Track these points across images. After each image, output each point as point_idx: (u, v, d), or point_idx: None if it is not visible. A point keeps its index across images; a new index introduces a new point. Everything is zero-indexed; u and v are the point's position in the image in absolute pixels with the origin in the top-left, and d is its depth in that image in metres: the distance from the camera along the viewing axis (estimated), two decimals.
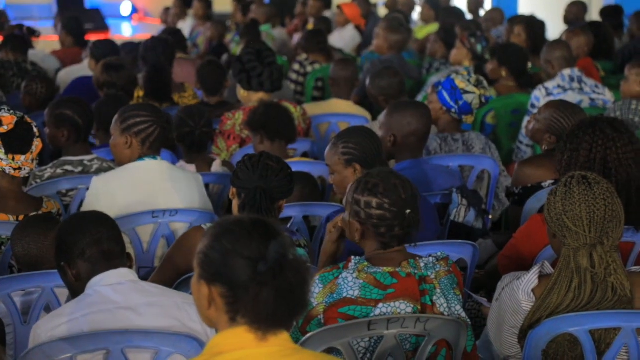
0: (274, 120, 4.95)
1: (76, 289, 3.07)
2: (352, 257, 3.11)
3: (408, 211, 3.11)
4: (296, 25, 12.39)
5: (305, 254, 3.74)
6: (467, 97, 5.15)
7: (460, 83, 5.18)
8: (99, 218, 3.15)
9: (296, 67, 8.58)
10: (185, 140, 5.19)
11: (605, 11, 10.25)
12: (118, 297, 2.97)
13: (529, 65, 6.83)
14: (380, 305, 3.02)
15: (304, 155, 5.63)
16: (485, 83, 5.26)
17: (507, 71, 6.80)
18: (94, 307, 2.94)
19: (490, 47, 7.34)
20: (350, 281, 3.04)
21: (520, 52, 6.93)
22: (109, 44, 7.53)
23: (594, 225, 2.99)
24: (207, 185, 4.72)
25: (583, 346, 3.01)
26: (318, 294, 3.04)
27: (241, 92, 5.88)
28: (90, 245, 3.04)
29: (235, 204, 3.78)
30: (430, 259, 3.13)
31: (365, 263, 3.08)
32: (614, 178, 3.68)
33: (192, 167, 5.00)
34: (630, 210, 3.66)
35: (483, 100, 5.22)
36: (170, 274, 3.68)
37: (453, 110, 5.18)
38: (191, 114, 5.21)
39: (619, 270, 3.01)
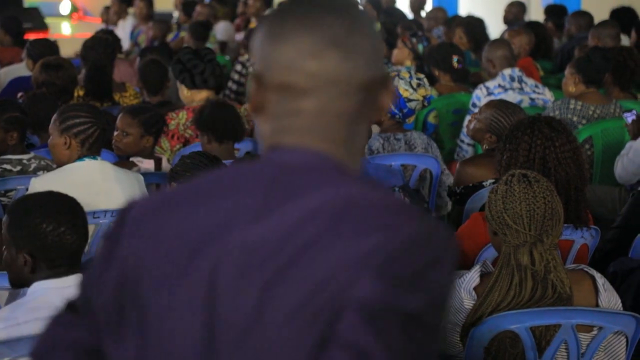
0: (222, 121, 4.87)
1: (22, 282, 2.95)
2: None
3: None
4: (238, 25, 12.33)
5: None
6: (411, 105, 5.18)
7: (404, 92, 5.18)
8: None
9: (238, 67, 8.56)
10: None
11: (549, 10, 10.38)
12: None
13: (455, 59, 6.81)
14: None
15: (247, 154, 5.61)
16: (425, 81, 5.28)
17: (439, 71, 6.85)
18: (39, 313, 2.86)
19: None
20: None
21: (444, 49, 6.96)
22: (47, 43, 7.37)
23: (533, 223, 3.03)
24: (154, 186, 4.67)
25: (524, 343, 3.04)
26: None
27: (184, 92, 5.83)
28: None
29: None
30: None
31: None
32: (553, 177, 3.72)
33: (149, 163, 4.94)
34: (569, 209, 3.71)
35: (426, 103, 5.25)
36: None
37: (397, 116, 5.21)
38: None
39: (559, 267, 3.05)
